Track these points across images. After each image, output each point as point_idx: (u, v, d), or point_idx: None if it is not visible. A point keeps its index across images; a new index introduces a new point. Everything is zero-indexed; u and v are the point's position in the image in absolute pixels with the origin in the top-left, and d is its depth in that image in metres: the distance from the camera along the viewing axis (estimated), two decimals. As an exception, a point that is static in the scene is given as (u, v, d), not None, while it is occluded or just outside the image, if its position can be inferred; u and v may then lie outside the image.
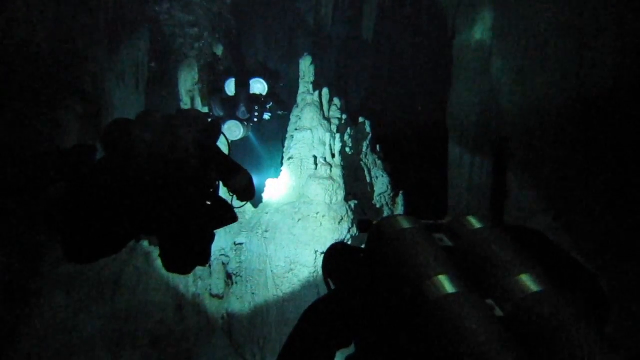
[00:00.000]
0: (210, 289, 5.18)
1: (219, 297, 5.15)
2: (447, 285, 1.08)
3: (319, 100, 5.48)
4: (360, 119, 5.96)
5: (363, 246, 1.44)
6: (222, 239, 5.31)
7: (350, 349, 1.35)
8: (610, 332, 1.10)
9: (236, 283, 5.09)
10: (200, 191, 3.06)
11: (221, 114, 5.55)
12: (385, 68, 7.11)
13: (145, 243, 5.02)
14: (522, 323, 1.04)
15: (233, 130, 5.55)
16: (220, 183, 3.13)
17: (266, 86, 5.63)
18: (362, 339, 1.32)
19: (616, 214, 3.32)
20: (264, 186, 5.36)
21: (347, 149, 5.57)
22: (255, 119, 5.63)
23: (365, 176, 5.69)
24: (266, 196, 5.31)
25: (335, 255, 1.49)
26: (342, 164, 5.20)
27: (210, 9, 5.83)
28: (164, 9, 5.57)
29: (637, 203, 3.26)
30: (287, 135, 5.56)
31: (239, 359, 4.87)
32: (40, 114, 4.18)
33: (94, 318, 4.68)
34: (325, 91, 5.52)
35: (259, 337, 4.82)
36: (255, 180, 3.17)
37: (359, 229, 1.41)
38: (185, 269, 3.05)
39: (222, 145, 3.30)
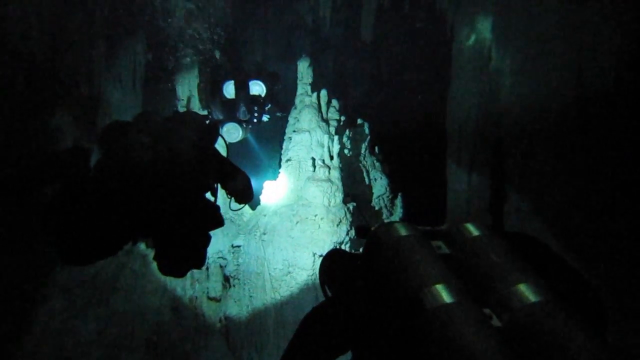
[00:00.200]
0: (208, 292, 5.15)
1: (217, 300, 5.12)
2: (444, 294, 1.07)
3: (317, 102, 5.45)
4: (359, 121, 5.94)
5: (361, 249, 1.42)
6: (220, 242, 5.28)
7: (347, 355, 1.34)
8: (609, 340, 1.08)
9: (234, 286, 5.06)
10: (196, 194, 3.05)
11: (220, 116, 5.54)
12: (384, 69, 7.10)
13: (142, 246, 4.99)
14: (520, 333, 1.03)
15: (232, 133, 5.54)
16: (219, 185, 3.12)
17: (264, 88, 5.62)
18: (359, 346, 1.31)
19: (617, 216, 3.30)
20: (262, 188, 5.33)
21: (346, 151, 5.54)
22: (255, 120, 5.62)
23: (364, 178, 5.67)
24: (264, 199, 5.28)
25: (332, 262, 1.47)
26: (340, 166, 5.17)
27: (209, 10, 5.81)
28: (161, 10, 5.54)
29: (638, 204, 3.24)
30: (285, 137, 5.53)
31: (236, 363, 4.85)
32: (36, 115, 4.15)
33: (91, 321, 4.64)
34: (323, 93, 5.50)
35: (256, 341, 4.79)
36: (254, 182, 3.15)
37: (357, 234, 1.41)
38: (181, 272, 3.03)
39: (220, 147, 3.28)
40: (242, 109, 5.48)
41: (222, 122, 5.49)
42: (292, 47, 6.17)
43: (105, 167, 2.85)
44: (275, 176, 5.42)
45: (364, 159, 5.79)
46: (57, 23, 4.22)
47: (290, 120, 5.54)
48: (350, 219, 4.98)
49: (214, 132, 3.24)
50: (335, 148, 5.21)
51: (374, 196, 5.65)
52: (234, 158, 3.25)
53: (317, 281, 4.66)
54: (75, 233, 2.79)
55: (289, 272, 4.77)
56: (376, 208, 5.63)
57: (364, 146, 5.81)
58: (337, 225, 4.87)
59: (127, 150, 2.81)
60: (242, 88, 5.48)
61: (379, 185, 5.68)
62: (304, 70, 5.55)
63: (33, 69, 4.04)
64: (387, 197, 5.71)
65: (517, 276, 1.11)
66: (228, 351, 4.88)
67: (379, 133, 6.09)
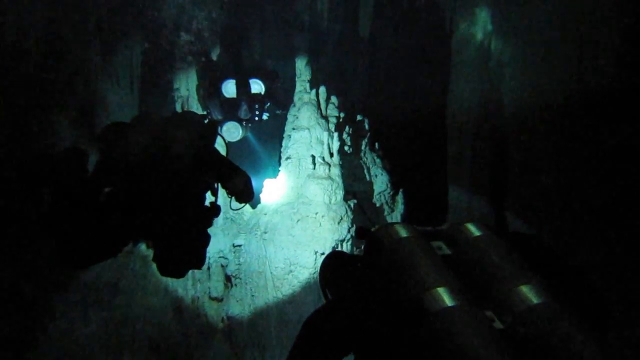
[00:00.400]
0: (210, 292, 5.14)
1: (218, 299, 5.11)
2: (446, 297, 1.07)
3: (316, 99, 5.42)
4: (359, 117, 5.90)
5: (360, 249, 1.42)
6: (221, 241, 5.26)
7: (350, 357, 1.33)
8: (611, 341, 1.08)
9: (235, 285, 5.04)
10: (195, 194, 3.03)
11: (220, 116, 5.52)
12: (383, 65, 7.05)
13: (143, 246, 4.97)
14: (522, 336, 1.03)
15: (232, 132, 5.52)
16: (219, 185, 3.11)
17: (263, 86, 5.59)
18: (361, 349, 1.30)
19: (620, 212, 3.27)
20: (262, 186, 5.31)
21: (346, 148, 5.51)
22: (256, 118, 5.60)
23: (365, 175, 5.64)
24: (264, 198, 5.26)
25: (332, 265, 1.46)
26: (340, 163, 5.15)
27: (206, 8, 5.77)
28: (158, 9, 5.51)
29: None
30: (285, 135, 5.50)
31: (239, 362, 4.84)
32: (32, 116, 4.13)
33: (92, 323, 4.63)
34: (322, 89, 5.46)
35: (259, 340, 4.78)
36: (254, 181, 3.14)
37: (357, 236, 1.40)
38: (180, 272, 3.02)
39: (220, 146, 3.26)
40: (244, 107, 5.46)
41: (221, 122, 5.46)
42: (289, 43, 6.13)
43: (104, 168, 2.84)
44: (275, 174, 5.39)
45: (364, 155, 5.75)
46: (53, 23, 4.19)
47: (289, 117, 5.51)
48: (352, 217, 4.95)
49: (212, 131, 3.22)
50: (335, 145, 5.18)
51: (375, 193, 5.62)
52: (233, 157, 3.23)
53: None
54: (74, 236, 2.78)
55: (291, 271, 4.75)
56: (377, 205, 5.60)
57: (364, 142, 5.78)
58: (339, 222, 4.84)
59: (125, 151, 2.80)
60: (243, 87, 5.45)
61: (380, 181, 5.65)
62: (302, 67, 5.51)
63: (29, 70, 4.01)
64: (388, 193, 5.68)
65: (519, 278, 1.11)
66: (230, 351, 4.87)
67: (379, 129, 6.05)
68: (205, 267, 5.19)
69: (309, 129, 5.19)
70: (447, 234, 1.31)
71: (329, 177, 4.99)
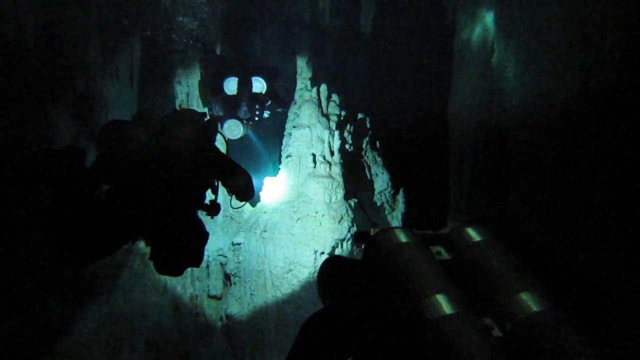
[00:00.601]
0: (208, 290, 5.12)
1: (217, 298, 5.09)
2: (444, 305, 1.06)
3: (317, 97, 5.39)
4: (360, 115, 5.87)
5: (360, 249, 1.40)
6: (220, 239, 5.23)
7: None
8: (614, 349, 1.07)
9: (234, 284, 5.02)
10: (193, 192, 3.01)
11: (221, 113, 5.50)
12: (384, 63, 7.01)
13: (142, 244, 4.94)
14: (521, 344, 1.02)
15: (233, 130, 5.49)
16: (219, 183, 3.08)
17: (265, 85, 5.56)
18: (358, 354, 1.29)
19: (624, 213, 3.23)
20: (262, 185, 5.28)
21: (347, 146, 5.48)
22: (257, 118, 5.57)
23: (365, 174, 5.61)
24: (264, 196, 5.23)
25: (330, 270, 1.44)
26: (341, 161, 5.12)
27: (207, 5, 5.74)
28: (160, 5, 5.47)
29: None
30: (285, 133, 5.47)
31: (238, 361, 4.82)
32: (32, 113, 4.09)
33: (90, 321, 4.61)
34: (323, 87, 5.43)
35: (258, 339, 4.76)
36: (254, 179, 3.11)
37: (356, 240, 1.40)
38: (177, 271, 2.99)
39: (220, 144, 3.24)
40: (244, 107, 5.44)
41: (222, 119, 5.44)
42: (290, 41, 6.09)
43: (103, 166, 2.82)
44: (275, 172, 5.36)
45: (365, 154, 5.72)
46: (52, 19, 4.15)
47: (290, 115, 5.48)
48: (352, 216, 4.93)
49: (212, 129, 3.19)
50: (336, 143, 5.15)
51: (376, 192, 5.60)
52: (234, 154, 3.20)
53: (319, 279, 4.62)
54: (72, 234, 2.76)
55: (290, 270, 4.73)
56: (378, 204, 5.58)
57: (365, 141, 5.75)
58: (339, 222, 4.82)
59: (125, 149, 2.78)
60: (244, 85, 5.42)
61: (381, 180, 5.62)
62: (303, 64, 5.48)
63: (28, 68, 3.98)
64: (389, 192, 5.65)
65: (519, 284, 1.10)
66: (229, 350, 4.85)
67: (380, 128, 6.02)
68: (204, 265, 5.17)
69: (309, 127, 5.16)
70: (447, 239, 1.30)
71: (330, 176, 4.96)
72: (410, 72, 6.72)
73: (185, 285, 5.06)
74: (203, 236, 3.04)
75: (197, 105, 5.50)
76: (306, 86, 5.43)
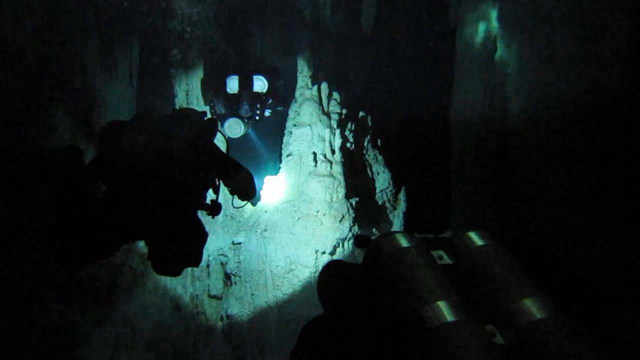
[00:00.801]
0: (209, 290, 5.09)
1: (218, 297, 5.06)
2: (446, 312, 1.04)
3: (317, 95, 5.34)
4: (361, 113, 5.83)
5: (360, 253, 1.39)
6: (220, 238, 5.20)
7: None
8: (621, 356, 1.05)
9: (235, 283, 4.99)
10: (193, 192, 2.98)
11: (223, 111, 5.49)
12: (386, 60, 6.97)
13: (142, 244, 4.91)
14: (525, 351, 0.99)
15: (234, 128, 5.48)
16: (220, 182, 3.05)
17: (266, 83, 5.54)
18: None
19: (631, 214, 3.19)
20: (263, 184, 5.24)
21: (348, 145, 5.44)
22: (258, 116, 5.56)
23: (367, 172, 5.57)
24: (264, 196, 5.19)
25: (330, 275, 1.42)
26: (342, 160, 5.08)
27: (211, 3, 5.70)
28: (158, 3, 5.43)
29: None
30: (286, 132, 5.43)
31: (238, 361, 4.79)
32: (30, 112, 4.05)
33: (90, 321, 4.58)
34: (324, 85, 5.39)
35: (258, 339, 4.73)
36: (255, 178, 3.08)
37: (356, 245, 1.38)
38: (175, 271, 2.96)
39: (220, 142, 3.21)
40: (245, 106, 5.43)
41: (224, 118, 5.42)
42: (291, 39, 6.04)
43: (103, 166, 2.80)
44: (276, 171, 5.33)
45: (367, 152, 5.68)
46: (49, 18, 4.10)
47: (291, 114, 5.43)
48: (353, 215, 4.89)
49: (212, 128, 3.16)
50: (337, 142, 5.11)
51: (377, 190, 5.56)
52: (234, 153, 3.17)
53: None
54: (71, 234, 2.73)
55: (291, 270, 4.69)
56: (379, 203, 5.54)
57: (366, 139, 5.71)
58: (340, 221, 4.78)
59: (125, 149, 2.75)
60: (245, 84, 5.42)
61: (382, 179, 5.58)
62: (303, 62, 5.44)
63: (25, 66, 3.93)
64: (391, 191, 5.62)
65: (523, 290, 1.08)
66: (230, 350, 4.82)
67: (381, 126, 5.98)
68: (204, 264, 5.15)
69: (310, 126, 5.12)
70: (449, 243, 1.27)
71: (331, 175, 4.92)
72: (412, 69, 6.67)
73: (186, 285, 5.03)
74: (202, 236, 3.01)
75: (197, 104, 5.47)
76: (307, 84, 5.38)
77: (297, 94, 5.47)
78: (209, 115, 5.30)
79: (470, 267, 1.18)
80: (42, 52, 4.12)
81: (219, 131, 3.29)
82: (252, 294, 4.84)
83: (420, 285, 1.10)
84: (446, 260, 1.24)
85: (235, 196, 3.04)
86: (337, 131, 5.17)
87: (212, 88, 5.58)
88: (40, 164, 2.83)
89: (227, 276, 5.11)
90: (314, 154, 5.03)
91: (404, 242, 1.21)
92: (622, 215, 3.36)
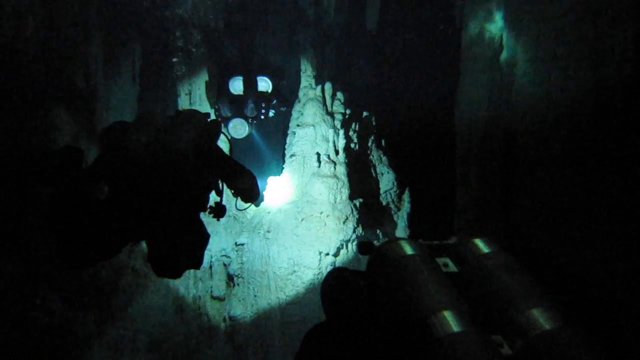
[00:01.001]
0: (211, 291, 5.06)
1: (220, 299, 5.03)
2: (452, 322, 1.02)
3: (321, 95, 5.30)
4: (365, 113, 5.78)
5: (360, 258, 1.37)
6: (223, 239, 5.17)
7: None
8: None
9: (238, 285, 4.95)
10: (196, 194, 2.95)
11: (229, 113, 5.48)
12: (390, 60, 6.92)
13: (144, 244, 4.89)
14: None
15: (238, 129, 5.48)
16: (224, 184, 3.03)
17: (270, 84, 5.53)
18: None
19: (634, 217, 3.14)
20: (267, 184, 5.21)
21: (352, 145, 5.40)
22: (262, 117, 5.56)
23: (371, 173, 5.52)
24: (268, 198, 5.15)
25: (334, 283, 1.39)
26: (346, 161, 5.04)
27: (214, 4, 5.68)
28: (161, 3, 5.40)
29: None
30: (289, 132, 5.39)
31: (241, 363, 4.76)
32: (31, 112, 4.03)
33: (92, 322, 4.56)
34: (328, 85, 5.34)
35: (261, 341, 4.69)
36: (258, 179, 3.05)
37: (360, 251, 1.36)
38: (175, 273, 2.94)
39: (223, 143, 3.18)
40: (250, 106, 5.42)
41: (228, 118, 5.42)
42: (294, 38, 6.01)
43: (106, 167, 2.78)
44: (279, 172, 5.29)
45: (371, 153, 5.64)
46: (51, 18, 4.08)
47: (294, 114, 5.40)
48: (357, 216, 4.85)
49: (215, 130, 3.13)
50: (341, 142, 5.07)
51: (381, 191, 5.52)
52: (236, 154, 3.14)
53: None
54: (73, 235, 2.71)
55: (294, 271, 4.66)
56: (384, 203, 5.49)
57: (370, 140, 5.66)
58: (344, 222, 4.74)
59: (127, 150, 2.73)
60: (250, 85, 5.41)
61: (386, 179, 5.54)
62: (307, 62, 5.40)
63: (27, 66, 3.91)
64: (395, 192, 5.57)
65: (530, 300, 1.06)
66: (232, 351, 4.79)
67: (385, 126, 5.93)
68: (207, 265, 5.12)
69: (314, 126, 5.08)
70: (454, 250, 1.26)
71: (335, 176, 4.88)
72: (416, 69, 6.63)
73: (188, 286, 5.00)
74: (203, 238, 2.98)
75: (200, 104, 5.45)
76: (310, 84, 5.34)
77: (300, 93, 5.43)
78: (212, 117, 5.29)
79: (476, 275, 1.17)
80: (44, 51, 4.09)
81: (223, 133, 3.27)
82: (255, 296, 4.80)
83: (425, 294, 1.09)
84: (452, 267, 1.23)
85: (239, 198, 3.01)
86: (341, 131, 5.13)
87: (216, 90, 5.57)
88: (41, 164, 2.81)
89: (230, 277, 5.08)
90: (318, 154, 4.99)
91: (408, 250, 1.20)
92: (634, 218, 3.30)
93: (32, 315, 4.39)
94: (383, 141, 5.82)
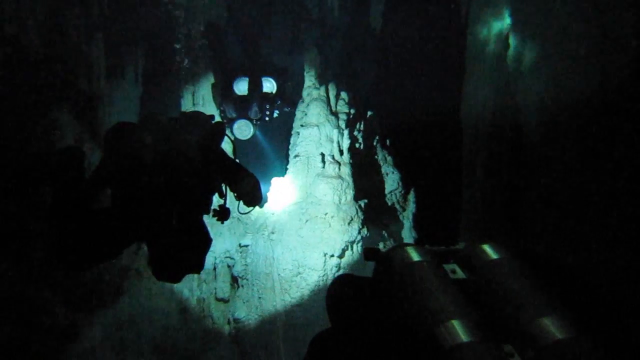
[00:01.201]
0: (216, 293, 5.03)
1: (225, 301, 5.00)
2: (460, 332, 0.99)
3: (325, 95, 5.27)
4: (369, 113, 5.74)
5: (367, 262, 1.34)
6: (227, 241, 5.14)
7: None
8: None
9: (242, 286, 4.93)
10: (200, 196, 2.93)
11: (234, 114, 5.45)
12: (394, 59, 6.87)
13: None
14: None
15: (243, 130, 5.44)
16: (227, 187, 3.00)
17: (275, 84, 5.49)
18: None
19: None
20: (270, 185, 5.18)
21: (357, 145, 5.36)
22: (267, 118, 5.52)
23: (376, 173, 5.48)
24: (271, 199, 5.11)
25: (339, 289, 1.35)
26: (350, 161, 5.00)
27: (218, 5, 5.66)
28: (164, 4, 5.38)
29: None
30: (293, 132, 5.36)
31: (245, 366, 4.73)
32: (34, 112, 4.02)
33: (96, 325, 4.54)
34: (332, 85, 5.31)
35: (266, 343, 4.66)
36: (262, 181, 3.02)
37: (365, 258, 1.31)
38: (175, 277, 2.90)
39: (227, 144, 3.15)
40: (255, 108, 5.39)
41: (233, 120, 5.38)
42: (298, 38, 5.98)
43: (109, 168, 2.75)
44: (283, 173, 5.26)
45: (375, 153, 5.60)
46: (53, 18, 4.06)
47: (298, 114, 5.36)
48: (362, 217, 4.81)
49: (220, 131, 3.10)
50: (345, 143, 5.03)
51: (386, 191, 5.47)
52: (240, 155, 3.11)
53: (329, 282, 4.53)
54: (73, 237, 2.69)
55: (299, 273, 4.62)
56: (389, 204, 5.45)
57: (375, 140, 5.62)
58: (349, 223, 4.70)
59: (131, 152, 2.70)
60: (255, 86, 5.37)
61: (391, 180, 5.49)
62: (311, 62, 5.36)
63: (29, 66, 3.90)
64: (400, 192, 5.52)
65: (541, 308, 1.02)
66: (236, 354, 4.76)
67: (390, 126, 5.89)
68: (211, 267, 5.10)
69: (318, 126, 5.05)
70: (462, 256, 1.22)
71: (339, 176, 4.85)
72: (421, 68, 6.57)
73: (192, 288, 4.98)
74: (206, 242, 2.95)
75: (204, 105, 5.42)
76: (314, 84, 5.31)
77: (304, 94, 5.39)
78: (217, 119, 5.26)
79: (485, 282, 1.13)
80: (47, 52, 4.08)
81: (226, 135, 3.24)
82: (260, 297, 4.77)
83: (433, 303, 1.05)
84: (459, 274, 1.20)
85: (241, 202, 2.98)
86: (346, 131, 5.09)
87: (221, 91, 5.54)
88: (42, 164, 2.78)
89: (234, 279, 5.05)
90: (322, 154, 4.95)
91: (415, 256, 1.16)
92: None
93: (35, 317, 4.38)
94: (388, 141, 5.77)
